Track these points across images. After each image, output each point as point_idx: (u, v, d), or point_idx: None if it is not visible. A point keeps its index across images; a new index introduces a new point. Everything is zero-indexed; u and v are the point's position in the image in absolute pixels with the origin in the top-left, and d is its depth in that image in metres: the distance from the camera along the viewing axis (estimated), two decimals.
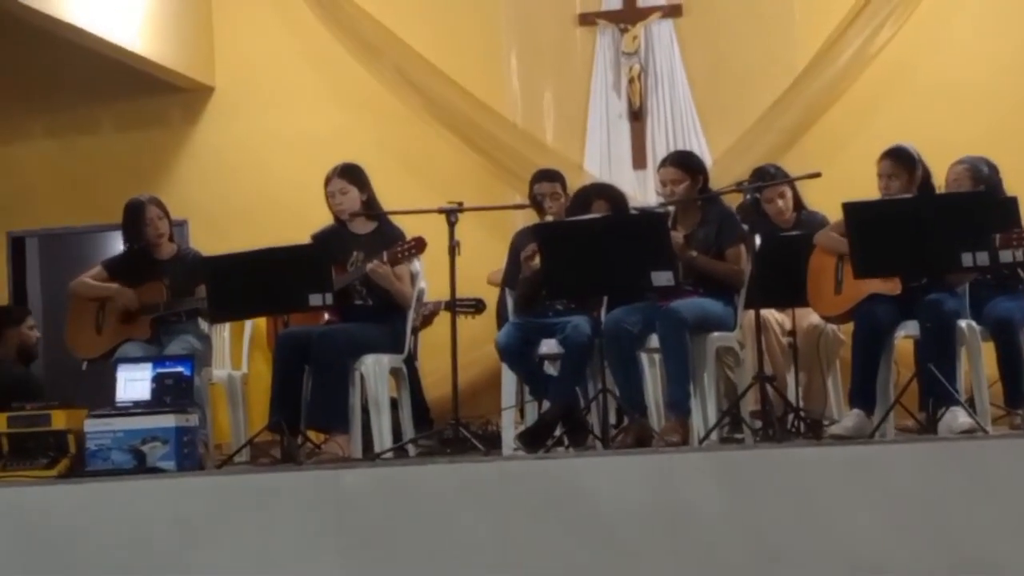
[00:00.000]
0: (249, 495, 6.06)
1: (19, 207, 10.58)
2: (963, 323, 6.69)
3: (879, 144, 7.37)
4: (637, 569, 5.56)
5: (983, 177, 7.22)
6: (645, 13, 9.80)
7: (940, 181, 7.22)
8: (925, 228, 6.26)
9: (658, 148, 9.45)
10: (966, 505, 5.36)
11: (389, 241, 7.35)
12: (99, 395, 7.15)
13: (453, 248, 7.03)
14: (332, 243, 7.45)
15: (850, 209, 6.49)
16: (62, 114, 10.59)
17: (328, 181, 7.57)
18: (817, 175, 7.14)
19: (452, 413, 6.96)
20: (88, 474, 6.61)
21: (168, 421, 6.69)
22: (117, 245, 8.51)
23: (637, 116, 9.72)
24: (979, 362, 6.81)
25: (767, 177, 7.78)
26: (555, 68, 9.94)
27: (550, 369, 7.34)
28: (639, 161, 9.66)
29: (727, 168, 8.99)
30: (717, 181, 7.77)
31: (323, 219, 7.68)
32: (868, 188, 7.12)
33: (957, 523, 5.34)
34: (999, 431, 6.80)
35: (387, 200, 7.69)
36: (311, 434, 7.28)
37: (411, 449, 7.41)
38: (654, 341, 6.88)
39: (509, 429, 7.37)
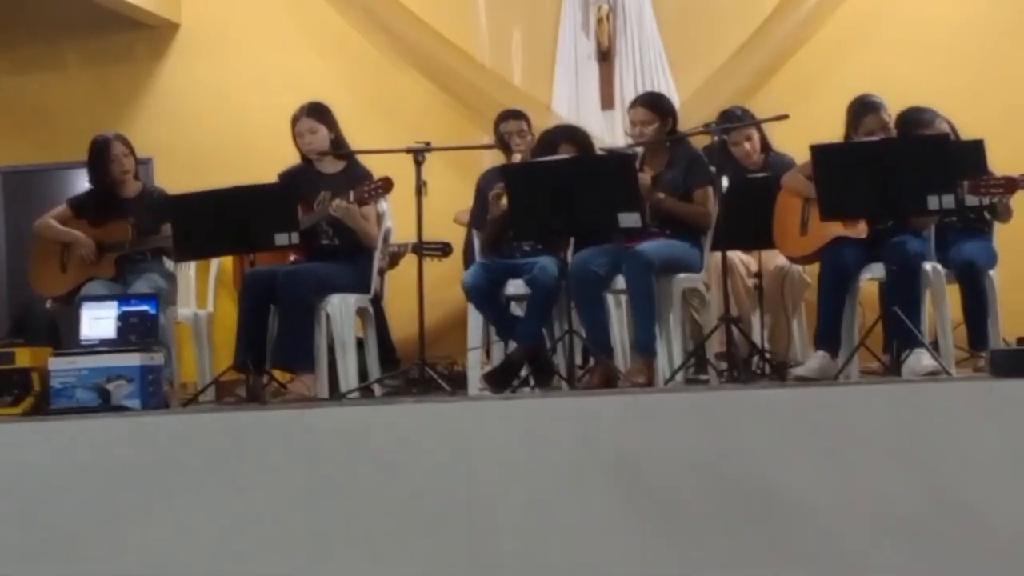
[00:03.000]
0: (214, 434, 6.06)
1: None
2: (928, 266, 6.72)
3: (848, 87, 7.40)
4: (599, 508, 5.58)
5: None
6: None
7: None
8: (892, 171, 6.27)
9: (626, 89, 9.42)
10: (930, 446, 5.39)
11: (356, 181, 7.32)
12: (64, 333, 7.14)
13: (420, 188, 7.01)
14: (299, 182, 7.42)
15: (817, 151, 6.49)
16: (26, 50, 10.51)
17: (296, 121, 7.54)
18: (784, 117, 7.11)
19: (418, 353, 6.96)
20: (53, 412, 6.58)
21: (133, 360, 6.67)
22: (82, 183, 8.47)
23: (605, 57, 9.67)
24: (944, 304, 6.83)
25: (734, 119, 7.76)
26: (523, 8, 9.89)
27: (517, 310, 7.34)
28: (607, 102, 9.62)
29: (695, 109, 8.95)
30: (685, 122, 7.75)
31: (290, 158, 7.65)
32: (836, 130, 7.13)
33: (921, 464, 5.38)
34: (962, 373, 6.84)
35: (354, 139, 7.66)
36: (277, 373, 7.27)
37: (377, 389, 7.42)
38: (620, 283, 6.89)
39: (475, 369, 7.37)
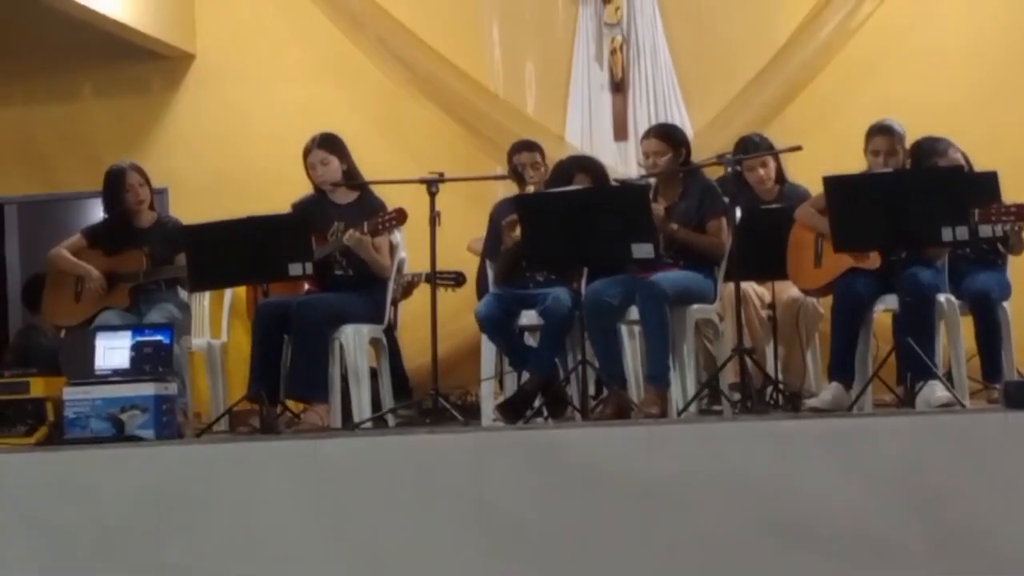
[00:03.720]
0: (228, 464, 6.06)
1: None
2: (942, 297, 6.71)
3: (862, 117, 7.39)
4: (614, 540, 5.57)
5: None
6: None
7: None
8: (905, 202, 6.27)
9: (640, 120, 9.43)
10: (944, 478, 5.38)
11: (370, 211, 7.33)
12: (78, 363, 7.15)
13: (433, 219, 7.02)
14: (313, 212, 7.43)
15: (831, 183, 6.49)
16: (42, 81, 10.54)
17: (308, 152, 7.55)
18: (798, 148, 7.15)
19: (432, 383, 6.96)
20: (66, 442, 6.59)
21: (147, 389, 6.67)
22: (97, 212, 8.49)
23: (619, 88, 9.69)
24: (957, 336, 6.83)
25: (752, 145, 7.81)
26: (537, 39, 9.91)
27: (530, 340, 7.34)
28: (620, 133, 9.64)
29: (708, 140, 8.97)
30: (698, 153, 7.77)
31: (304, 188, 7.66)
32: (851, 161, 7.13)
33: (934, 496, 5.37)
34: (976, 405, 6.83)
35: (367, 170, 7.68)
36: (290, 404, 7.28)
37: (390, 419, 7.41)
38: (634, 313, 6.89)
39: (488, 400, 7.37)
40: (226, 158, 10.16)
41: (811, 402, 6.82)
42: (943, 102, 8.93)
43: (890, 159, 7.02)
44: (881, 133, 7.10)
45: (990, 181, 6.75)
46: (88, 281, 7.78)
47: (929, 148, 7.18)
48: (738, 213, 6.99)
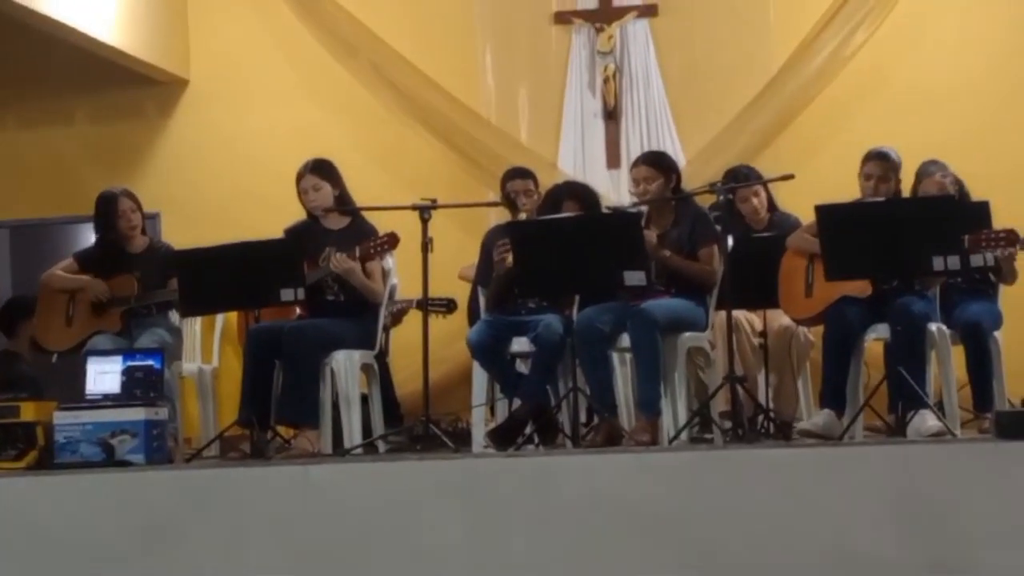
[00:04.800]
0: (218, 489, 6.05)
1: None
2: (933, 326, 6.72)
3: (853, 147, 7.42)
4: (605, 568, 5.56)
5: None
6: (621, 12, 9.81)
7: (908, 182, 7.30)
8: (897, 231, 6.28)
9: (632, 148, 9.45)
10: (934, 508, 5.38)
11: (362, 237, 7.33)
12: (69, 387, 7.14)
13: (426, 245, 7.02)
14: (305, 238, 7.43)
15: (822, 212, 6.50)
16: (35, 105, 10.55)
17: (300, 177, 7.56)
18: (790, 177, 7.16)
19: (422, 410, 6.94)
20: (57, 467, 6.57)
21: (138, 414, 6.65)
22: (90, 237, 8.49)
23: (611, 116, 9.72)
24: (948, 365, 6.83)
25: (740, 178, 7.81)
26: (530, 66, 9.94)
27: (521, 367, 7.33)
28: (613, 161, 9.66)
29: (701, 168, 9.00)
30: (691, 181, 7.79)
31: (296, 213, 7.67)
32: (841, 190, 7.15)
33: (925, 525, 5.36)
34: (967, 435, 6.83)
35: (360, 196, 7.68)
36: (281, 429, 7.26)
37: (381, 445, 7.41)
38: (625, 340, 6.89)
39: (479, 427, 7.37)
40: (219, 183, 10.17)
41: (803, 425, 6.83)
42: (933, 137, 8.92)
43: (881, 185, 7.05)
44: (877, 159, 7.13)
45: (982, 210, 6.75)
46: (89, 291, 7.77)
47: (921, 170, 7.25)
48: (729, 241, 7.00)
